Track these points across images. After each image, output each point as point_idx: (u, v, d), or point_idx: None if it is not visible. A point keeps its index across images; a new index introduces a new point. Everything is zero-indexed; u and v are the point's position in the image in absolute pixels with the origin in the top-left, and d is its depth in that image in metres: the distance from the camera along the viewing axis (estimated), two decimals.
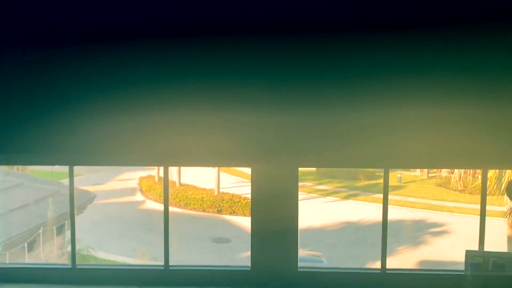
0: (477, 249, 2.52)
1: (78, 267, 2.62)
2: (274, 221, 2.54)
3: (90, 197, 9.98)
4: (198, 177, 13.69)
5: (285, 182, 2.52)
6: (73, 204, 2.65)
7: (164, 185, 2.62)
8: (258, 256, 2.55)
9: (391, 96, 2.37)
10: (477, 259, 2.43)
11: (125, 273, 2.62)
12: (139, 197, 15.95)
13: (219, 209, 14.34)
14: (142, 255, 10.78)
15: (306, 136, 2.41)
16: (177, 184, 15.48)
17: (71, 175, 2.57)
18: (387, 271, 2.54)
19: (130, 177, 16.58)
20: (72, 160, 2.51)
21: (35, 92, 2.45)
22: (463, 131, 2.38)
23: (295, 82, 2.39)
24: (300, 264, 2.58)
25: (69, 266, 2.63)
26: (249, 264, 2.58)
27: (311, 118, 2.40)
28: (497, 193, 8.68)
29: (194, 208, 13.23)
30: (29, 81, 2.44)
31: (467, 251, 2.47)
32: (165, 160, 2.45)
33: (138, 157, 2.46)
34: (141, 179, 16.85)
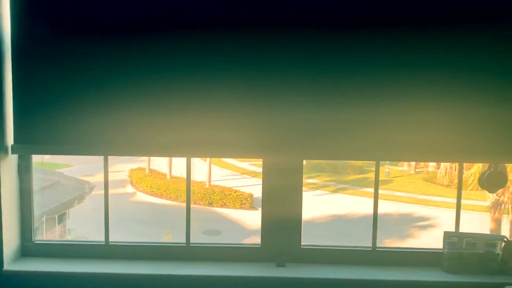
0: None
1: (110, 243, 2.92)
2: (281, 207, 2.86)
3: (90, 187, 10.17)
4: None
5: (291, 173, 2.82)
6: (107, 191, 2.90)
7: (186, 176, 2.96)
8: (267, 236, 2.89)
9: (390, 94, 2.62)
10: (453, 239, 2.80)
11: (150, 249, 2.93)
12: (129, 189, 15.98)
13: (210, 201, 14.41)
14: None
15: (310, 131, 2.69)
16: (168, 176, 15.48)
17: (105, 163, 2.86)
18: (377, 249, 2.89)
19: (120, 169, 16.50)
20: (106, 150, 2.76)
21: (72, 84, 2.69)
22: (444, 126, 2.63)
23: (301, 81, 2.64)
24: None
25: (103, 242, 2.93)
26: (259, 242, 2.92)
27: (315, 113, 2.66)
28: (480, 188, 8.99)
29: (185, 200, 13.20)
30: (66, 75, 2.68)
31: (445, 232, 2.83)
32: (188, 151, 2.72)
33: (164, 148, 2.71)
34: (132, 171, 16.83)
